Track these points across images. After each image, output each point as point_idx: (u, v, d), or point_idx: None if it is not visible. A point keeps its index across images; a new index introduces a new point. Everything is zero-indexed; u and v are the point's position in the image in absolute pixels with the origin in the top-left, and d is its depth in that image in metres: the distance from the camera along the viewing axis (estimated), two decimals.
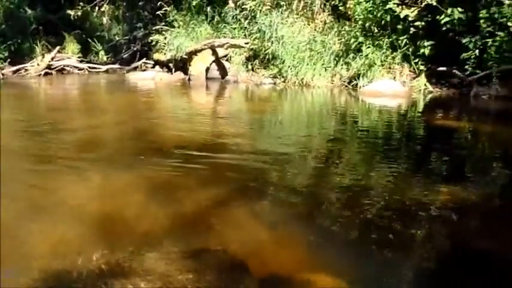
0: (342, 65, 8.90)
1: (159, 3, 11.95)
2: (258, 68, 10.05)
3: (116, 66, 13.00)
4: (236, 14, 10.46)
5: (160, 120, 5.86)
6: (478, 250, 2.32)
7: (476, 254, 2.28)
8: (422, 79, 8.17)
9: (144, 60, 12.51)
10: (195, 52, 10.09)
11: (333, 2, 9.64)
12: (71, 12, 14.61)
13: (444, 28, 7.91)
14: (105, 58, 14.06)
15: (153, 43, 11.74)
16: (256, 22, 9.83)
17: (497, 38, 7.39)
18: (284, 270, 2.16)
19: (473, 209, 2.82)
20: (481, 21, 7.53)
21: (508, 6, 7.19)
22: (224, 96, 9.00)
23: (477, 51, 7.61)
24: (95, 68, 12.63)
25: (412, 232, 2.51)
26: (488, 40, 7.48)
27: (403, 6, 8.15)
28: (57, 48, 12.31)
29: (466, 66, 7.73)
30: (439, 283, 2.05)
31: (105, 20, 14.88)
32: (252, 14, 10.04)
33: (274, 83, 9.39)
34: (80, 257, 2.15)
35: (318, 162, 3.84)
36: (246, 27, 10.23)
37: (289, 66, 9.14)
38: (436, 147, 4.45)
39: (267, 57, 9.69)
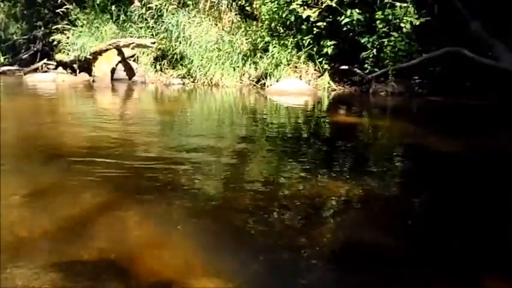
0: (250, 64, 8.99)
1: (60, 0, 11.31)
2: (167, 69, 9.87)
3: (14, 67, 12.12)
4: (142, 13, 10.19)
5: (54, 125, 5.48)
6: (368, 243, 2.38)
7: (365, 246, 2.34)
8: (326, 77, 8.48)
9: (45, 61, 11.79)
10: (99, 52, 9.68)
11: (239, 2, 9.71)
12: None
13: (345, 28, 8.28)
14: (1, 59, 13.07)
15: (55, 43, 11.10)
16: (163, 21, 9.65)
17: (392, 38, 7.87)
18: (169, 275, 2.07)
19: (365, 201, 2.91)
20: (377, 22, 7.97)
21: (399, 8, 7.67)
22: (130, 98, 8.69)
23: (375, 50, 8.05)
24: None
25: (306, 229, 2.53)
26: (384, 40, 7.93)
27: (305, 7, 8.39)
28: None
29: (366, 65, 8.14)
30: (329, 279, 2.08)
31: (0, 18, 13.81)
32: (159, 13, 9.85)
33: (183, 83, 9.26)
34: None
35: (222, 163, 3.77)
36: (152, 27, 10.00)
37: (197, 66, 9.07)
38: (334, 142, 4.58)
39: (175, 57, 9.55)
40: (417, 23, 7.65)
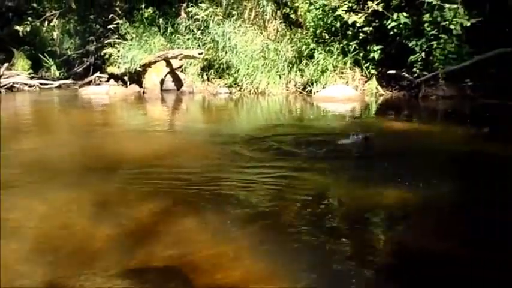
0: (295, 71, 9.02)
1: (111, 16, 11.77)
2: (214, 78, 10.05)
3: (69, 81, 12.71)
4: (189, 25, 10.45)
5: (109, 137, 5.72)
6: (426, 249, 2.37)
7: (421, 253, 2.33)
8: (373, 82, 8.39)
9: (97, 74, 12.27)
10: (149, 64, 9.99)
11: (284, 10, 9.78)
12: (19, 28, 14.19)
13: (391, 32, 8.17)
14: (57, 73, 13.73)
15: (107, 56, 11.54)
16: (209, 32, 9.85)
17: (441, 41, 7.70)
18: (231, 283, 2.13)
19: (423, 209, 2.89)
20: (425, 24, 7.82)
21: (449, 10, 7.50)
22: (179, 108, 8.92)
23: (423, 53, 7.90)
24: (46, 84, 12.29)
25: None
26: (433, 43, 7.78)
27: (351, 13, 8.36)
28: (5, 65, 11.91)
29: (414, 69, 8.00)
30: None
31: (55, 34, 14.54)
32: (205, 24, 10.06)
33: (230, 92, 9.41)
34: (21, 276, 2.07)
35: (274, 175, 3.77)
36: (199, 38, 10.23)
37: (244, 75, 9.18)
38: (385, 147, 4.53)
39: (221, 66, 9.72)
40: (468, 24, 7.45)
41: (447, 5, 7.52)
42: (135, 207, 2.98)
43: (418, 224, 2.68)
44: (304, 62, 8.90)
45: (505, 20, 7.34)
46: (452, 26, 7.62)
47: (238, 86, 9.31)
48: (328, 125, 6.26)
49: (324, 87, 8.38)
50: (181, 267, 2.24)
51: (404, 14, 7.97)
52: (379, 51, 8.39)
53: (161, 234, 2.58)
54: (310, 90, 8.57)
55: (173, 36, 10.66)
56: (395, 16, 7.99)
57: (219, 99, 9.15)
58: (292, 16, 9.70)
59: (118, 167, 3.96)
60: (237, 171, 3.76)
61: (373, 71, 8.57)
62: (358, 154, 4.26)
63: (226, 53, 9.47)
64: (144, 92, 9.99)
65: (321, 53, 8.71)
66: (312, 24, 9.06)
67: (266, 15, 9.68)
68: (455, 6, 7.51)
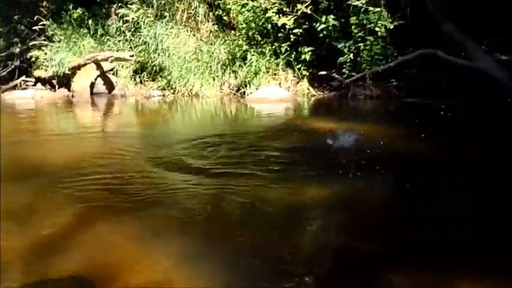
0: (229, 73, 9.01)
1: (36, 16, 11.23)
2: (147, 81, 9.84)
3: None
4: (120, 26, 10.16)
5: (32, 143, 5.44)
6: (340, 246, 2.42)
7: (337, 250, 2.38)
8: (305, 83, 8.54)
9: (23, 77, 11.62)
10: (78, 67, 9.63)
11: (216, 12, 9.74)
12: None
13: (321, 35, 8.36)
14: None
15: (33, 59, 10.98)
16: (141, 34, 9.63)
17: (368, 42, 7.97)
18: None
19: (337, 207, 2.95)
20: (353, 27, 8.06)
21: (373, 13, 7.78)
22: (108, 112, 8.66)
23: (351, 55, 8.13)
24: None
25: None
26: (360, 44, 8.03)
27: (281, 15, 8.47)
28: None
29: (343, 70, 8.21)
30: None
31: None
32: (136, 26, 9.83)
33: (163, 95, 9.25)
34: None
35: (199, 178, 3.73)
36: (130, 40, 9.98)
37: (177, 78, 9.05)
38: (309, 147, 4.60)
39: (154, 69, 9.52)
40: (391, 27, 7.76)
41: (371, 8, 7.79)
42: (50, 216, 2.86)
43: (341, 222, 2.74)
44: (237, 63, 8.91)
45: (424, 23, 7.70)
46: (377, 29, 7.90)
47: (172, 88, 9.17)
48: (257, 125, 6.31)
49: (257, 89, 8.43)
50: (92, 276, 2.16)
51: (333, 16, 8.18)
52: (310, 53, 8.55)
53: (75, 243, 2.49)
54: (244, 92, 8.59)
55: (103, 38, 10.32)
56: (324, 19, 8.17)
57: (152, 102, 8.99)
58: (225, 18, 9.68)
59: (37, 174, 3.79)
60: (166, 176, 3.69)
61: (305, 72, 8.72)
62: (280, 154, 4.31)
63: (158, 55, 9.29)
64: (72, 96, 9.60)
65: (253, 54, 8.76)
66: (244, 26, 9.08)
67: (198, 16, 9.60)
68: (378, 9, 7.80)
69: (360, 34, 8.03)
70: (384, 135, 4.81)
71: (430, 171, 3.60)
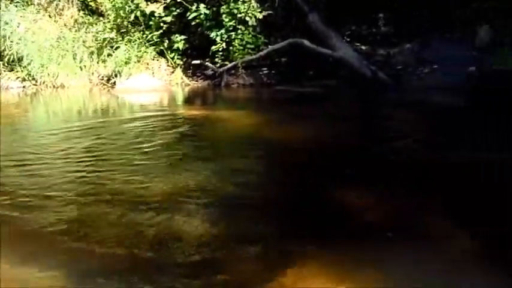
0: (98, 62, 8.49)
1: None
2: (5, 71, 8.87)
3: None
4: None
5: None
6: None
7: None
8: (179, 73, 8.38)
9: None
10: None
11: None
12: None
13: (193, 23, 8.23)
14: None
15: None
16: None
17: (239, 32, 8.04)
18: None
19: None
20: (224, 16, 8.06)
21: (242, 3, 7.85)
22: None
23: (224, 44, 8.13)
24: None
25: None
26: (232, 33, 8.06)
27: (149, 2, 8.17)
28: None
29: (216, 59, 8.20)
30: None
31: None
32: None
33: (24, 87, 8.43)
34: None
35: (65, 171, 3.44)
36: None
37: (38, 67, 8.29)
38: (181, 135, 4.53)
39: (11, 58, 8.61)
40: (260, 17, 7.90)
41: None
42: None
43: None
44: (106, 52, 8.43)
45: (291, 13, 8.00)
46: (248, 18, 8.00)
47: (34, 79, 8.39)
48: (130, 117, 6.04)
49: (127, 79, 8.06)
50: None
51: (203, 5, 8.09)
52: (183, 42, 8.38)
53: None
54: (115, 82, 8.17)
55: None
56: (194, 7, 8.06)
57: (10, 95, 8.15)
58: (92, 4, 9.09)
59: None
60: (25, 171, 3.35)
61: (178, 61, 8.54)
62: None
63: (15, 42, 8.41)
64: None
65: (123, 43, 8.35)
66: (113, 12, 8.61)
67: (60, 1, 8.88)
68: None
69: (231, 23, 8.05)
70: (249, 122, 4.88)
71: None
